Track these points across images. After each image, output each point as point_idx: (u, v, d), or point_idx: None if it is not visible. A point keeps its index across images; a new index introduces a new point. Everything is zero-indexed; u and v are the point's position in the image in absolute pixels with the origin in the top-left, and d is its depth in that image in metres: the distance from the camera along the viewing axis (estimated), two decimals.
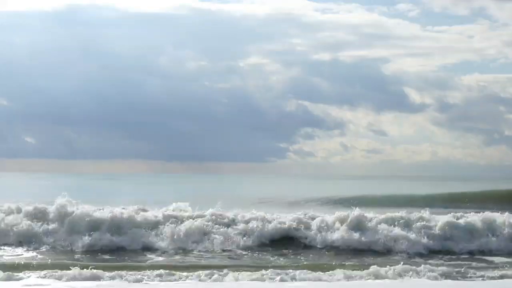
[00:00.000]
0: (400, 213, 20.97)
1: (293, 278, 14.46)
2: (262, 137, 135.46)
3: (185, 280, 14.20)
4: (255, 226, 20.13)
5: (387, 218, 20.65)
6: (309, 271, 14.97)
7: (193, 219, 20.40)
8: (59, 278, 14.00)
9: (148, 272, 14.51)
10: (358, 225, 20.20)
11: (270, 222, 20.52)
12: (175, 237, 19.42)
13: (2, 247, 18.83)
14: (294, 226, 20.43)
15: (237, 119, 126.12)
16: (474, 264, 17.38)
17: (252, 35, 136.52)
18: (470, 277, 15.23)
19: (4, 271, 14.13)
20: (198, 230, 19.81)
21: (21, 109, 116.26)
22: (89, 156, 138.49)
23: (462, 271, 15.66)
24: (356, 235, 19.70)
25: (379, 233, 19.76)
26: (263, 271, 14.75)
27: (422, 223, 20.49)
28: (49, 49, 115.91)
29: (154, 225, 20.17)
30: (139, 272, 14.50)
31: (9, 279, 13.82)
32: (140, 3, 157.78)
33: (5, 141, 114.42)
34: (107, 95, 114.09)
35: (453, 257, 18.76)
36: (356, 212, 20.53)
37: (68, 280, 13.92)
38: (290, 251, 19.19)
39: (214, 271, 14.79)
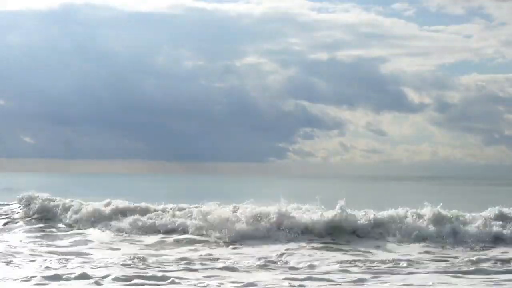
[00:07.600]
0: None
1: None
2: (261, 137, 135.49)
3: None
4: None
5: None
6: None
7: None
8: None
9: None
10: None
11: None
12: None
13: None
14: None
15: (236, 119, 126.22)
16: None
17: (248, 34, 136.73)
18: None
19: None
20: None
21: (18, 108, 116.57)
22: (88, 156, 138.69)
23: None
24: None
25: None
26: None
27: None
28: (45, 48, 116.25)
29: None
30: None
31: None
32: (135, 2, 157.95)
33: (2, 141, 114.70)
34: (104, 95, 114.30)
35: None
36: None
37: None
38: None
39: None
